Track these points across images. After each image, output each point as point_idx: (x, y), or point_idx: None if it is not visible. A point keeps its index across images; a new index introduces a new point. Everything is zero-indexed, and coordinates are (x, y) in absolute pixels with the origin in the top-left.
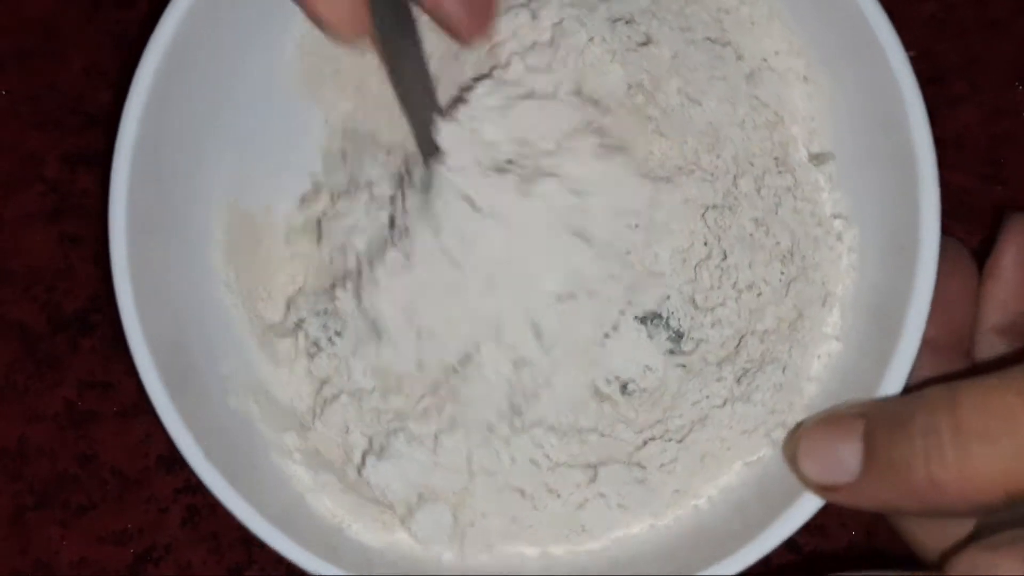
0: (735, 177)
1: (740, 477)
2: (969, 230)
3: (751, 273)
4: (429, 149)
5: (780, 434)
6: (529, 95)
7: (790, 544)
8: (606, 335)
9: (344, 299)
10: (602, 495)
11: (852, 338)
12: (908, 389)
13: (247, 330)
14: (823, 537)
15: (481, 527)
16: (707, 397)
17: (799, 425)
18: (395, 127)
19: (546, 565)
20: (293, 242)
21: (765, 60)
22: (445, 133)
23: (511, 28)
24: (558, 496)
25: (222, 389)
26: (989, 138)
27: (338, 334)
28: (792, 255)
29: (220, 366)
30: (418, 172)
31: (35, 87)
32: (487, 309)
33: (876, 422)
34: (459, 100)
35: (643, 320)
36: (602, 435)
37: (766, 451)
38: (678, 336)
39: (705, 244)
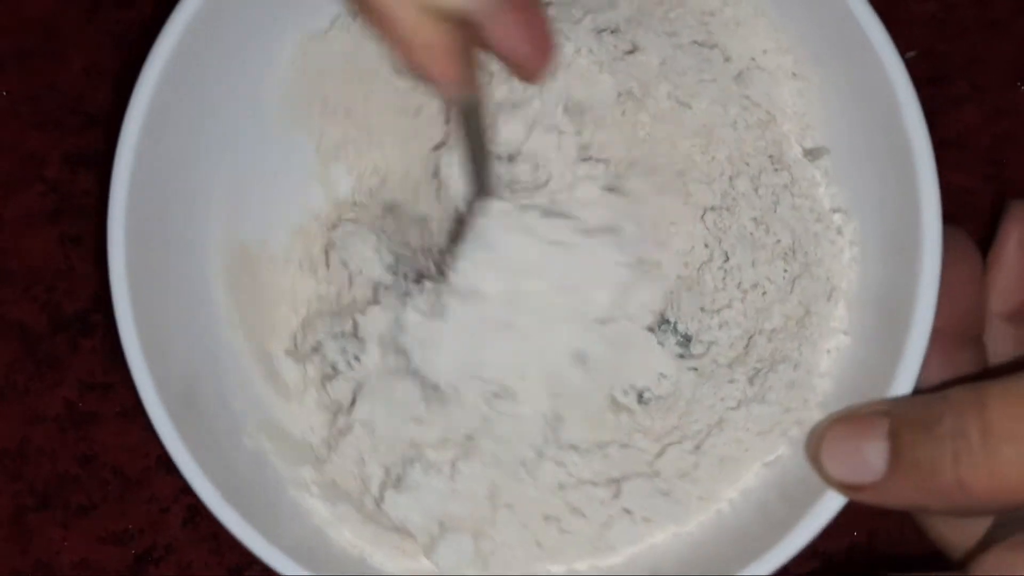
0: (731, 177)
1: (760, 478)
2: (971, 230)
3: (754, 272)
4: (486, 189)
5: (796, 432)
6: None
7: None
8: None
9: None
10: (627, 511)
11: (860, 332)
12: (920, 386)
13: (254, 366)
14: (824, 538)
15: (504, 554)
16: (722, 400)
17: (819, 424)
18: (405, 160)
19: None
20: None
21: (753, 59)
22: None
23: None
24: (583, 516)
25: (235, 428)
26: (990, 138)
27: (356, 358)
28: (794, 252)
29: (231, 406)
30: (466, 217)
31: (35, 87)
32: (535, 344)
33: (901, 422)
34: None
35: (651, 328)
36: (621, 446)
37: (783, 450)
38: (687, 340)
39: (706, 246)
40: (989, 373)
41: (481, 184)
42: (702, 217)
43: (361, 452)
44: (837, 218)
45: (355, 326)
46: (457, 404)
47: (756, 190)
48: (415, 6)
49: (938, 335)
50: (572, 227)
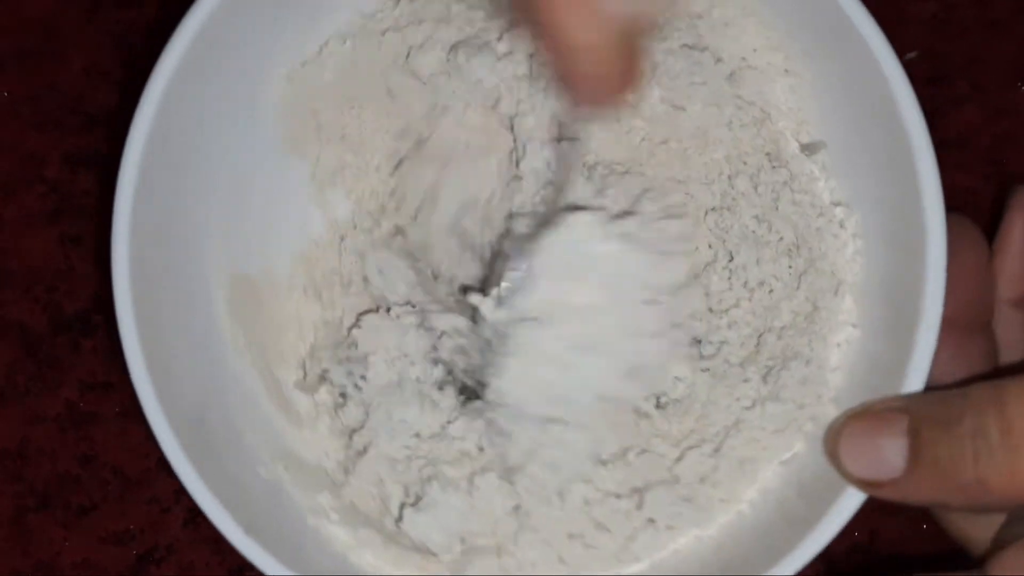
0: (730, 177)
1: (778, 477)
2: None
3: (760, 271)
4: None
5: (812, 428)
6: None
7: None
8: None
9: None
10: (651, 520)
11: (869, 323)
12: (932, 375)
13: (264, 395)
14: None
15: (527, 571)
16: (737, 400)
17: (835, 420)
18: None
19: None
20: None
21: (744, 59)
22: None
23: (487, 66)
24: (608, 531)
25: (250, 460)
26: (991, 138)
27: (363, 378)
28: (798, 248)
29: (244, 438)
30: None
31: (35, 87)
32: (596, 363)
33: (920, 419)
34: None
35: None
36: (641, 452)
37: (800, 447)
38: (696, 342)
39: (710, 247)
40: (1001, 372)
41: (563, 194)
42: (704, 218)
43: (379, 473)
44: (839, 211)
45: (355, 343)
46: (512, 433)
47: (756, 188)
48: (589, 14)
49: (947, 324)
50: (644, 238)
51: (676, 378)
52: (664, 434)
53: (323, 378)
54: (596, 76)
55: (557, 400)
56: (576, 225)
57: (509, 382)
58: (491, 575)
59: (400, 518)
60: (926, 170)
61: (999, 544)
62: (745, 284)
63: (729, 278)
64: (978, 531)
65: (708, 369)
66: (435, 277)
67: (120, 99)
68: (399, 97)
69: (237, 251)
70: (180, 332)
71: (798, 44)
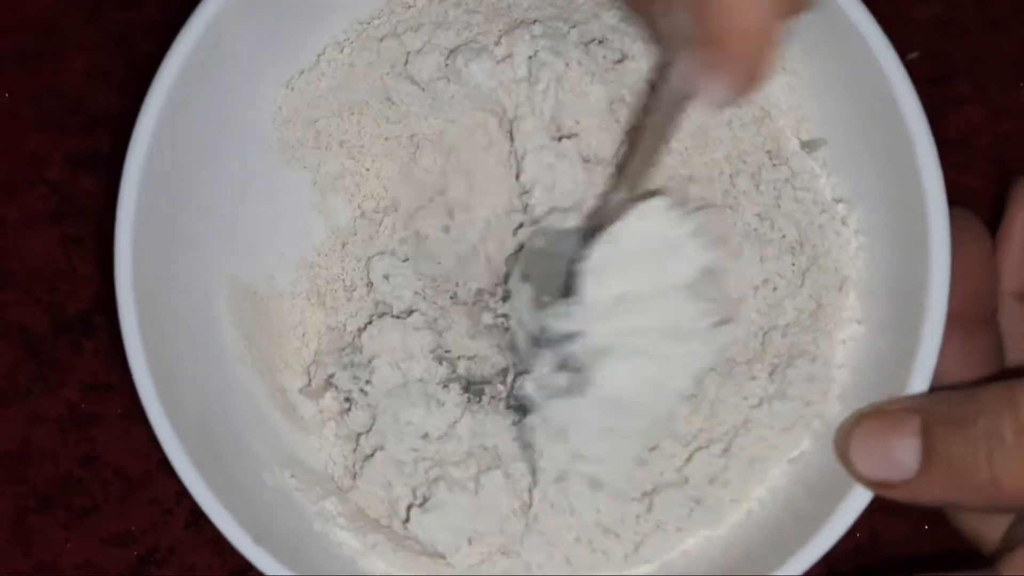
0: (731, 176)
1: (786, 475)
2: None
3: (763, 269)
4: (630, 188)
5: (818, 426)
6: None
7: None
8: None
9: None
10: (660, 523)
11: (874, 320)
12: (938, 370)
13: (270, 403)
14: None
15: (536, 568)
16: (744, 398)
17: (845, 421)
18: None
19: None
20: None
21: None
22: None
23: (486, 70)
24: (616, 535)
25: (257, 467)
26: (993, 138)
27: (368, 382)
28: (801, 245)
29: (251, 445)
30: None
31: (36, 88)
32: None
33: (933, 419)
34: None
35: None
36: (651, 449)
37: (807, 445)
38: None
39: None
40: (1011, 372)
41: (635, 182)
42: None
43: (387, 475)
44: (840, 208)
45: (360, 347)
46: (566, 441)
47: (757, 187)
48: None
49: (952, 318)
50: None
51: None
52: (673, 434)
53: (328, 383)
54: (747, 61)
55: (634, 402)
56: (657, 211)
57: (605, 382)
58: (499, 575)
59: (407, 519)
60: (928, 165)
61: (1009, 544)
62: (749, 282)
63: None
64: (989, 529)
65: (715, 368)
66: (441, 284)
67: (121, 100)
68: (398, 103)
69: (239, 258)
70: (183, 337)
71: (795, 42)
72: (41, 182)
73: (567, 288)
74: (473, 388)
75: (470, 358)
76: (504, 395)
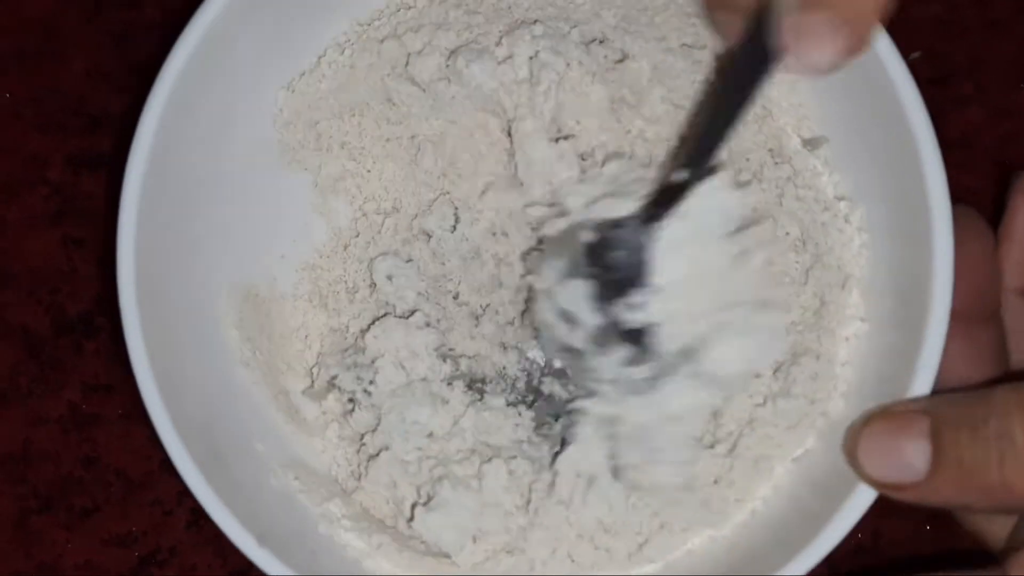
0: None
1: (790, 474)
2: None
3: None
4: (698, 164)
5: (822, 424)
6: None
7: None
8: None
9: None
10: (664, 524)
11: (877, 317)
12: (942, 367)
13: (273, 405)
14: None
15: (540, 567)
16: (749, 397)
17: (854, 423)
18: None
19: None
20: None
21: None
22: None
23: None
24: (619, 536)
25: (261, 470)
26: (994, 138)
27: (372, 383)
28: (804, 243)
29: (253, 447)
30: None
31: (36, 89)
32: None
33: (943, 421)
34: None
35: None
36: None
37: (811, 443)
38: None
39: None
40: (1017, 375)
41: (706, 159)
42: None
43: (392, 475)
44: (843, 206)
45: (363, 348)
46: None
47: (760, 184)
48: None
49: (955, 315)
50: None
51: None
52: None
53: (331, 385)
54: (857, 23)
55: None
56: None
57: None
58: (501, 575)
59: (412, 518)
60: (931, 162)
61: (1015, 543)
62: None
63: None
64: (995, 527)
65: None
66: (442, 285)
67: (122, 101)
68: (399, 104)
69: (240, 260)
70: (184, 339)
71: None
72: (42, 183)
73: (631, 278)
74: (475, 386)
75: (471, 357)
76: (523, 394)
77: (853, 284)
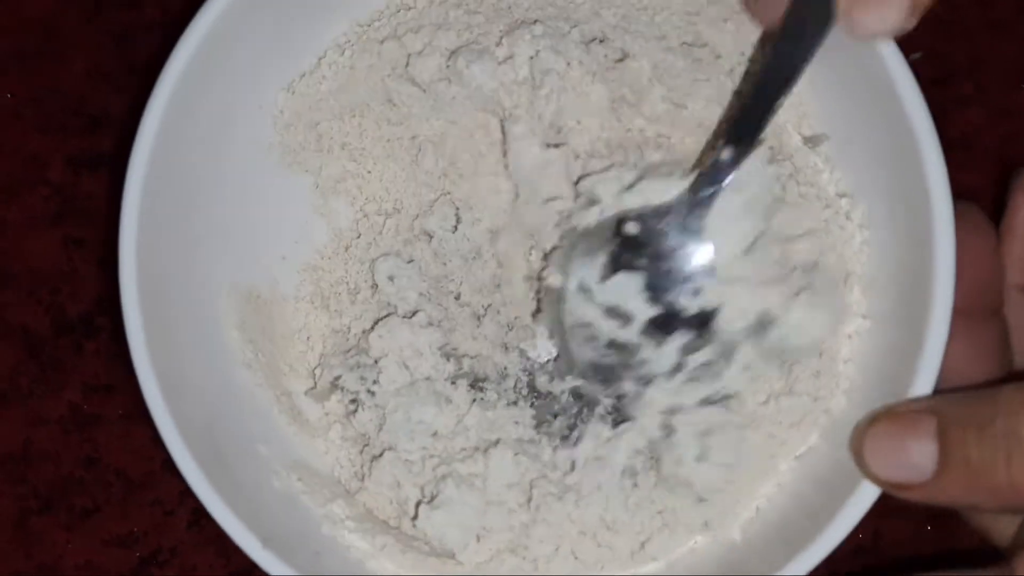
0: None
1: (793, 471)
2: None
3: None
4: (746, 139)
5: (825, 421)
6: None
7: None
8: None
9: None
10: (666, 524)
11: (879, 314)
12: (944, 365)
13: (275, 407)
14: None
15: (544, 567)
16: (753, 394)
17: (860, 423)
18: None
19: None
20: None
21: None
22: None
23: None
24: (621, 533)
25: (263, 472)
26: (995, 139)
27: (376, 382)
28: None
29: (256, 449)
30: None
31: (37, 89)
32: None
33: (949, 421)
34: None
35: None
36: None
37: (815, 440)
38: None
39: None
40: (1018, 375)
41: (753, 136)
42: None
43: (395, 475)
44: (844, 203)
45: (366, 348)
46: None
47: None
48: None
49: (957, 312)
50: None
51: None
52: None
53: (334, 386)
54: None
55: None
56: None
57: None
58: (507, 575)
59: (416, 516)
60: (931, 158)
61: (1022, 542)
62: None
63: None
64: (1002, 526)
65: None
66: (444, 285)
67: (122, 101)
68: (399, 105)
69: (241, 262)
70: (186, 340)
71: None
72: (43, 183)
73: (685, 263)
74: (478, 385)
75: (473, 357)
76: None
77: (855, 281)
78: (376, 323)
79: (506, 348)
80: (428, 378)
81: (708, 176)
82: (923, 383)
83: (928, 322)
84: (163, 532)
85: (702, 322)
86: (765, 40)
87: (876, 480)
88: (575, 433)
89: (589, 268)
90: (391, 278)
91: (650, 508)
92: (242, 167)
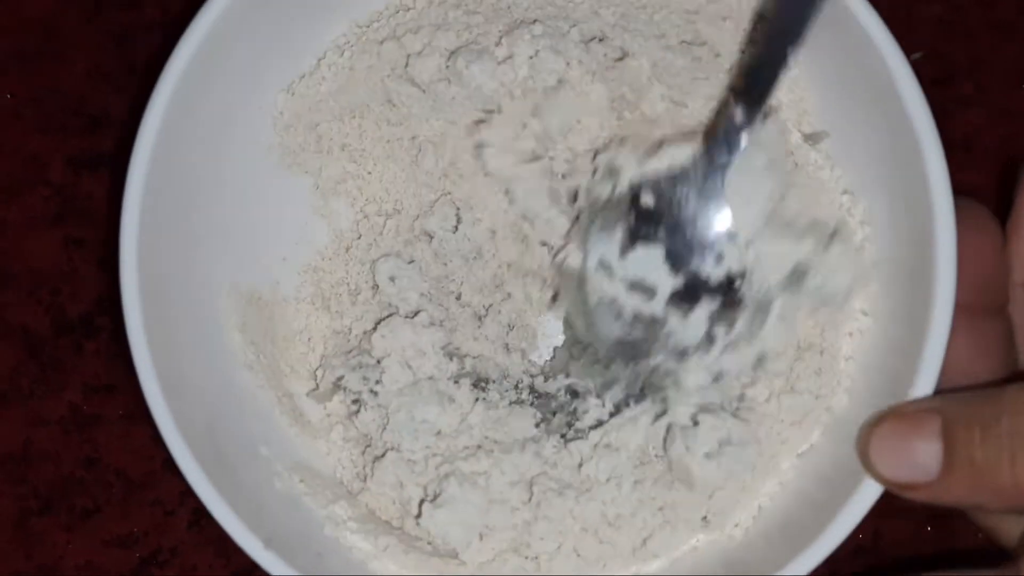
0: None
1: (795, 469)
2: None
3: None
4: (757, 92)
5: (828, 419)
6: None
7: None
8: None
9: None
10: (668, 521)
11: (881, 311)
12: (946, 363)
13: (277, 408)
14: None
15: (546, 565)
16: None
17: (865, 423)
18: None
19: None
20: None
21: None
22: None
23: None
24: (622, 530)
25: (265, 473)
26: (997, 139)
27: (378, 382)
28: None
29: (259, 451)
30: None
31: (37, 89)
32: None
33: (954, 420)
34: None
35: None
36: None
37: (817, 438)
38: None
39: None
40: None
41: (762, 97)
42: None
43: (398, 475)
44: (845, 200)
45: (369, 349)
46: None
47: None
48: None
49: (960, 308)
50: None
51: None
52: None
53: (337, 386)
54: None
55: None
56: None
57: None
58: (509, 575)
59: (419, 515)
60: (932, 155)
61: None
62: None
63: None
64: (1009, 525)
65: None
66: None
67: (122, 102)
68: (399, 105)
69: (242, 263)
70: (187, 340)
71: None
72: (43, 183)
73: (705, 230)
74: (480, 384)
75: (475, 357)
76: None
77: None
78: (378, 324)
79: (507, 349)
80: (431, 377)
81: (722, 138)
82: (925, 381)
83: (930, 319)
84: (163, 532)
85: (728, 288)
86: None
87: (882, 480)
88: (573, 429)
89: (608, 244)
90: (392, 279)
91: (652, 504)
92: (242, 168)
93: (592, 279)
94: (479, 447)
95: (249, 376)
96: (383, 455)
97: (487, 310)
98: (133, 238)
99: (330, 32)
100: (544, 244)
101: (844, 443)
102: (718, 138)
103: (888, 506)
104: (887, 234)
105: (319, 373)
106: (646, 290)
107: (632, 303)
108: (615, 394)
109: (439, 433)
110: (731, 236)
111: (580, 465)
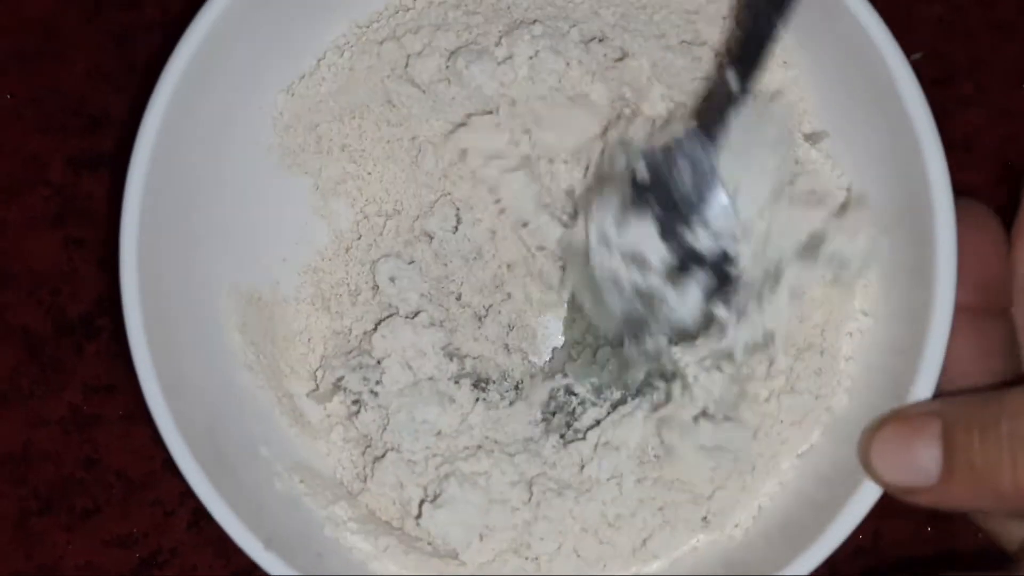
0: None
1: (795, 469)
2: None
3: None
4: (749, 59)
5: (828, 419)
6: None
7: None
8: None
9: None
10: (668, 521)
11: (881, 312)
12: (947, 364)
13: (277, 409)
14: None
15: (546, 566)
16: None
17: (867, 427)
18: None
19: None
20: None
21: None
22: None
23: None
24: (622, 531)
25: (265, 474)
26: (997, 139)
27: (379, 383)
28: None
29: (259, 451)
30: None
31: (37, 89)
32: None
33: (954, 423)
34: None
35: None
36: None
37: (817, 438)
38: None
39: None
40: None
41: (752, 56)
42: None
43: (398, 476)
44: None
45: (369, 349)
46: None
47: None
48: None
49: (961, 309)
50: None
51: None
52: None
53: (337, 387)
54: None
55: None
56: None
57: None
58: (509, 575)
59: (419, 515)
60: (932, 155)
61: None
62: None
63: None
64: (1011, 528)
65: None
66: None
67: (122, 101)
68: (399, 106)
69: (242, 263)
70: (187, 341)
71: (795, 34)
72: (43, 184)
73: (700, 200)
74: (480, 385)
75: (475, 358)
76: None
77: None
78: (378, 324)
79: (508, 349)
80: (431, 378)
81: (715, 107)
82: (925, 381)
83: (930, 319)
84: (163, 533)
85: (725, 263)
86: None
87: (883, 484)
88: (572, 429)
89: (606, 216)
90: (392, 279)
91: (652, 505)
92: (242, 168)
93: (594, 254)
94: (479, 447)
95: (249, 376)
96: (383, 455)
97: (487, 310)
98: (133, 238)
99: (330, 32)
100: (542, 248)
101: (844, 443)
102: (712, 108)
103: (888, 506)
104: (888, 233)
105: (319, 374)
106: (642, 262)
107: (631, 277)
108: (611, 393)
109: (439, 433)
110: (726, 211)
111: (582, 467)
